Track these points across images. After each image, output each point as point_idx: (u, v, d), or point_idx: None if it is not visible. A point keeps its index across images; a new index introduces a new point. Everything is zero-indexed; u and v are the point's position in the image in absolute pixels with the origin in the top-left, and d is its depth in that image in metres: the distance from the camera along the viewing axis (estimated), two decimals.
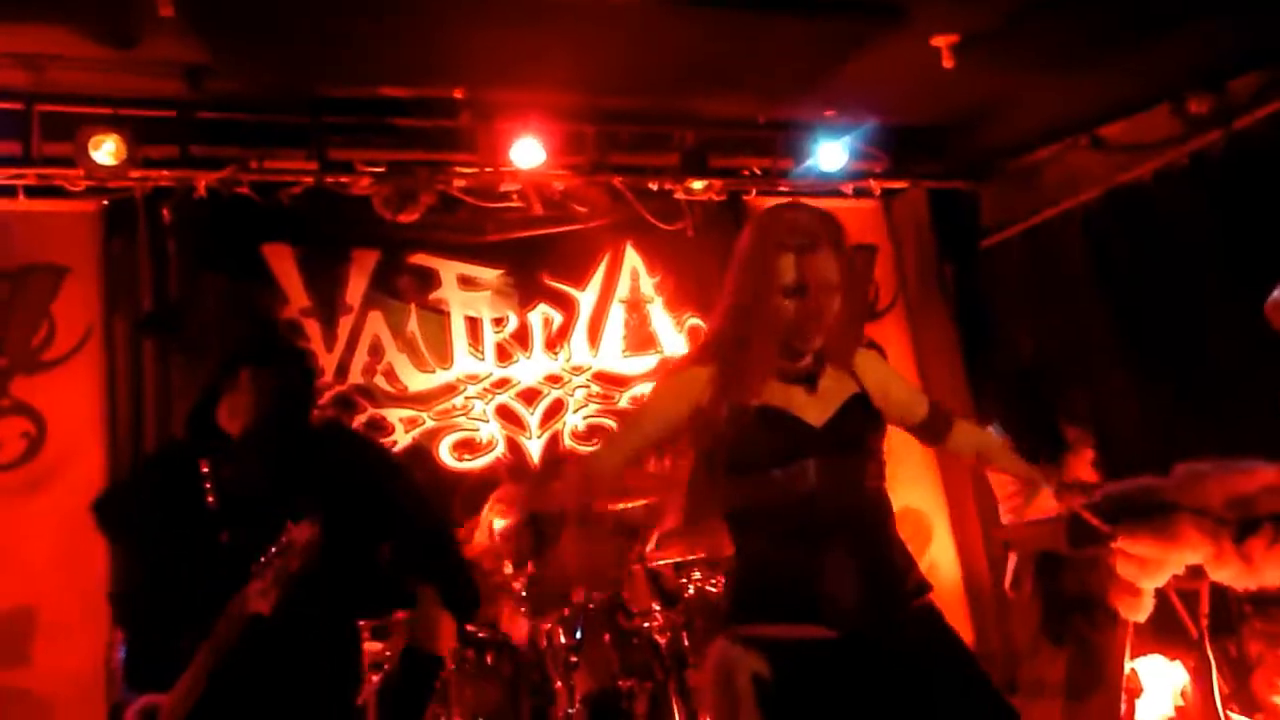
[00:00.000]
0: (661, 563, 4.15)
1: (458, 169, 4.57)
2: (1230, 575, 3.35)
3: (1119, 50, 4.21)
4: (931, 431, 2.22)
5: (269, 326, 2.51)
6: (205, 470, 2.26)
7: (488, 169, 4.55)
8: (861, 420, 2.04)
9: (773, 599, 1.94)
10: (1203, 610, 3.52)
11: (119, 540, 2.56)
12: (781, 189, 5.09)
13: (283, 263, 4.43)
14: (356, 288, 4.54)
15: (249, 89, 4.06)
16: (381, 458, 2.83)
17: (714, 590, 3.58)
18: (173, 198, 4.16)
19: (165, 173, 4.15)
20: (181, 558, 2.22)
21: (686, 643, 3.49)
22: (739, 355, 1.99)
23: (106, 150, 3.87)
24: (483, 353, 4.73)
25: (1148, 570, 3.25)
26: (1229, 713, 3.50)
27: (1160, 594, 3.38)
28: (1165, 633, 3.64)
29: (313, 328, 4.44)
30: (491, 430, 4.68)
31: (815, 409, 2.00)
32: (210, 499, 2.25)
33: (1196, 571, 3.36)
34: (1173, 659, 3.74)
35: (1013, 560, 3.85)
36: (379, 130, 4.39)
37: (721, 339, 2.05)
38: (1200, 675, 3.61)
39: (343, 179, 4.42)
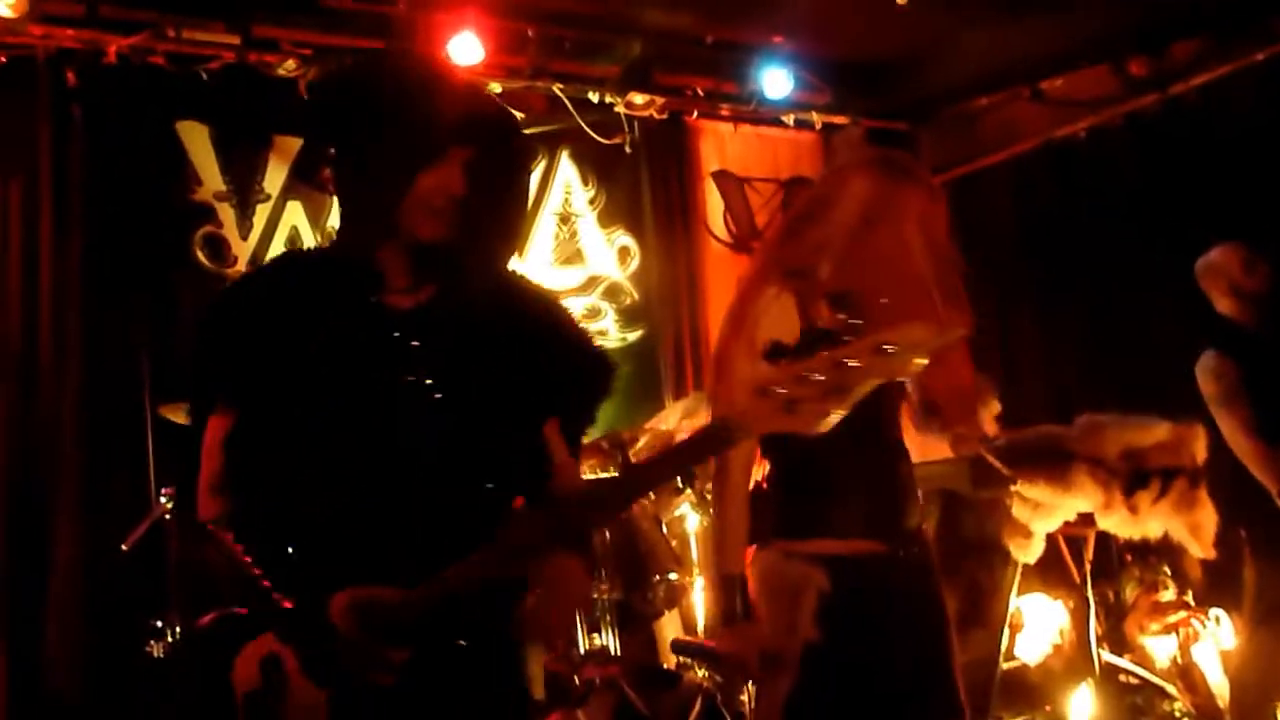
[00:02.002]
0: None
1: None
2: (1116, 524, 3.50)
3: (1064, 5, 4.21)
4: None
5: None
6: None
7: None
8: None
9: (813, 513, 2.03)
10: (1087, 555, 3.67)
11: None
12: (723, 113, 5.02)
13: (197, 142, 4.20)
14: (276, 175, 4.35)
15: None
16: None
17: None
18: (78, 60, 3.90)
19: (71, 32, 3.87)
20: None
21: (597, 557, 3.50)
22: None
23: (4, 1, 3.59)
24: None
25: (1041, 514, 3.37)
26: (1101, 652, 3.69)
27: (1049, 537, 3.52)
28: (1050, 574, 3.80)
29: (226, 213, 4.25)
30: None
31: None
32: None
33: (1086, 518, 3.49)
34: (1055, 599, 3.91)
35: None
36: (308, 9, 4.16)
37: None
38: (1078, 616, 3.79)
39: (267, 58, 4.18)
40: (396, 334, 1.53)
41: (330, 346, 1.51)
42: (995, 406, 3.93)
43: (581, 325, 1.70)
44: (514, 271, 1.67)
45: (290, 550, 1.48)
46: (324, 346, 1.51)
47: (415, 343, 1.53)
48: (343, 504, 1.48)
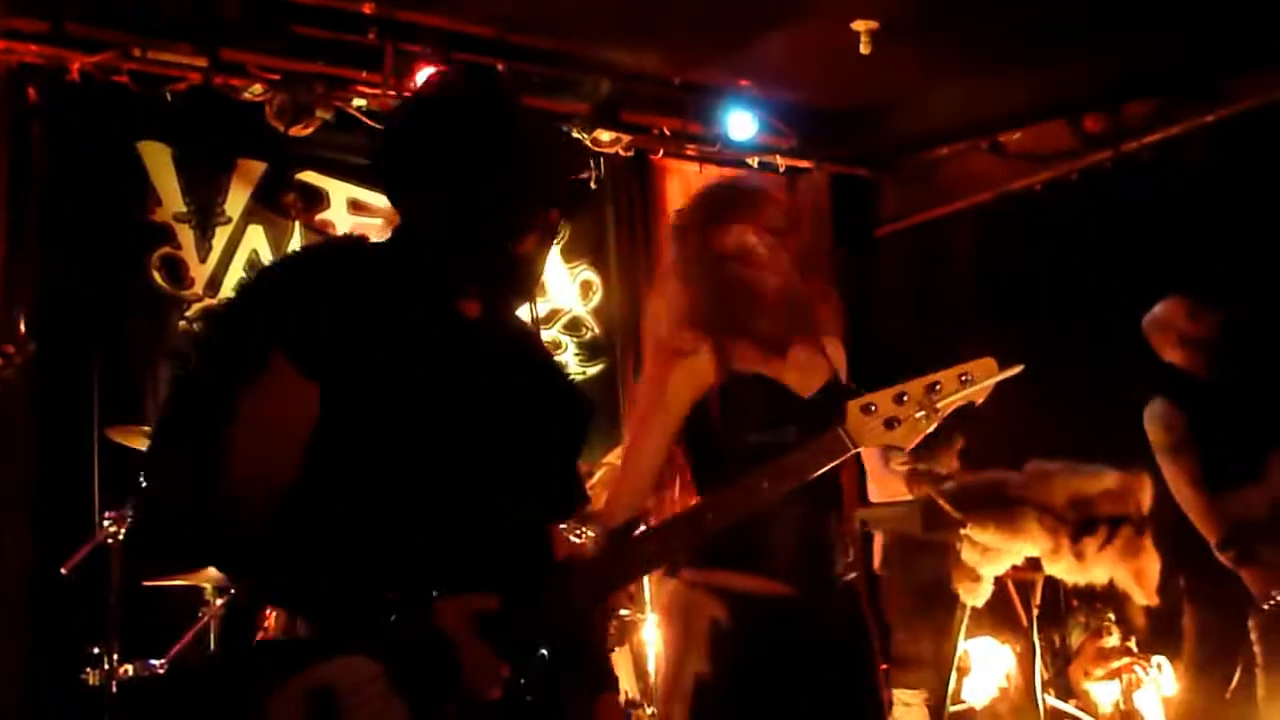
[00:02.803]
0: None
1: (359, 87, 4.38)
2: (1063, 569, 3.53)
3: (1024, 62, 4.33)
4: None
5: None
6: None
7: (390, 92, 4.38)
8: (842, 399, 2.11)
9: (728, 548, 2.00)
10: (1035, 600, 3.71)
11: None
12: (689, 152, 5.07)
13: (159, 163, 4.19)
14: (238, 198, 4.33)
15: None
16: None
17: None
18: (41, 76, 3.87)
19: (34, 48, 3.85)
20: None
21: None
22: (729, 325, 2.09)
23: None
24: None
25: (990, 558, 3.41)
26: (1046, 696, 3.72)
27: (998, 582, 3.55)
28: (998, 617, 3.83)
29: (185, 235, 4.22)
30: None
31: (796, 378, 2.11)
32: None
33: (1033, 563, 3.53)
34: (1003, 643, 3.94)
35: (879, 540, 3.98)
36: (277, 34, 4.16)
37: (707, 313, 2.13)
38: (1025, 660, 3.82)
39: (233, 81, 4.18)
40: (467, 341, 1.49)
41: (414, 342, 1.41)
42: (959, 441, 3.99)
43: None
44: None
45: (377, 556, 1.32)
46: (408, 341, 1.40)
47: (481, 351, 1.50)
48: (426, 506, 1.37)
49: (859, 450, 1.56)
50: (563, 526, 1.65)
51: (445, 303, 1.48)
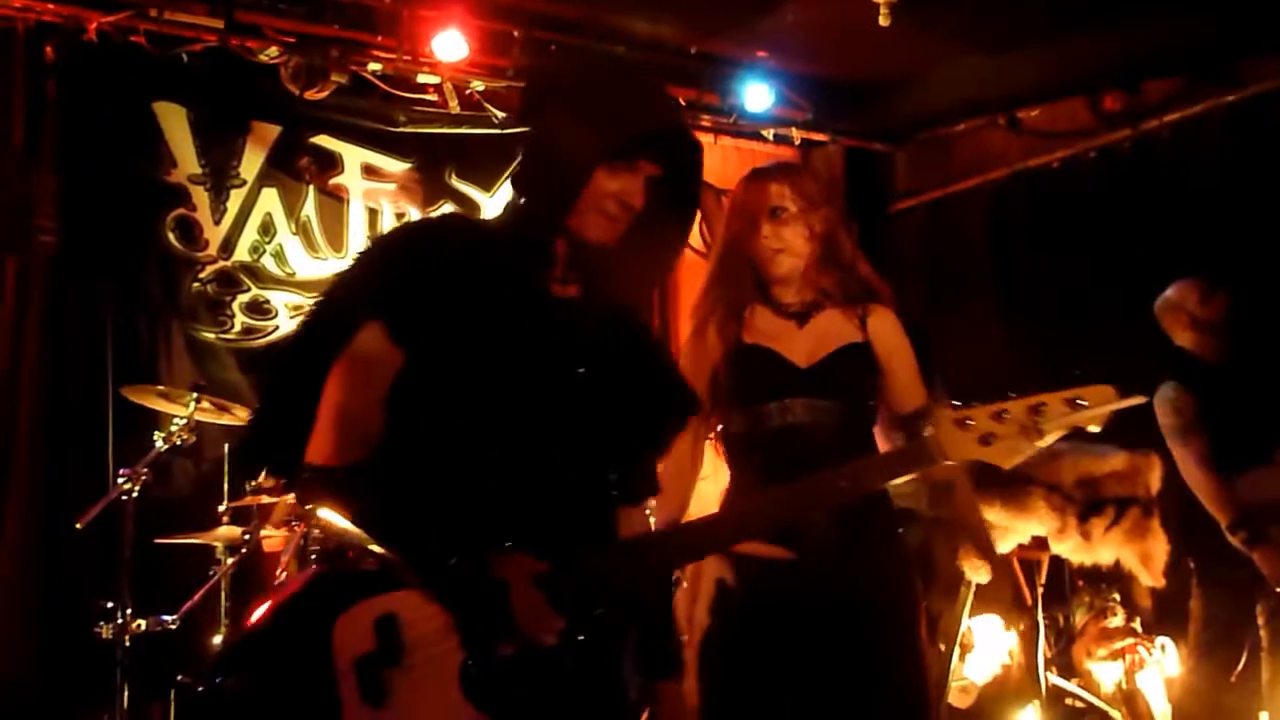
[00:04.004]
0: None
1: (374, 51, 4.36)
2: (1069, 549, 3.55)
3: (1043, 38, 4.29)
4: (905, 431, 2.16)
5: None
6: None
7: (406, 57, 4.35)
8: (852, 368, 2.11)
9: None
10: (1040, 579, 3.72)
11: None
12: (704, 123, 5.04)
13: (174, 124, 4.17)
14: (252, 161, 4.32)
15: None
16: None
17: None
18: (58, 35, 3.85)
19: (52, 6, 3.83)
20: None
21: None
22: (744, 290, 2.13)
23: None
24: None
25: (996, 536, 3.42)
26: (1048, 675, 3.74)
27: (1004, 559, 3.56)
28: (1003, 595, 3.85)
29: (200, 197, 4.22)
30: None
31: (807, 347, 2.10)
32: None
33: (1040, 542, 3.54)
34: (1006, 621, 3.96)
35: None
36: None
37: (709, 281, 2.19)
38: (1028, 638, 3.84)
39: (249, 43, 4.17)
40: (558, 320, 1.54)
41: (503, 317, 1.49)
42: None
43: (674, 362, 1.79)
44: None
45: (448, 509, 1.42)
46: (498, 315, 1.49)
47: (573, 332, 1.54)
48: (498, 470, 1.45)
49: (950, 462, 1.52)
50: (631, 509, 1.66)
51: (540, 281, 1.54)
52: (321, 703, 1.33)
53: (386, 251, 1.55)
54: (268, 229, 4.36)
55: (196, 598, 3.39)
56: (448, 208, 4.70)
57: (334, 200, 4.49)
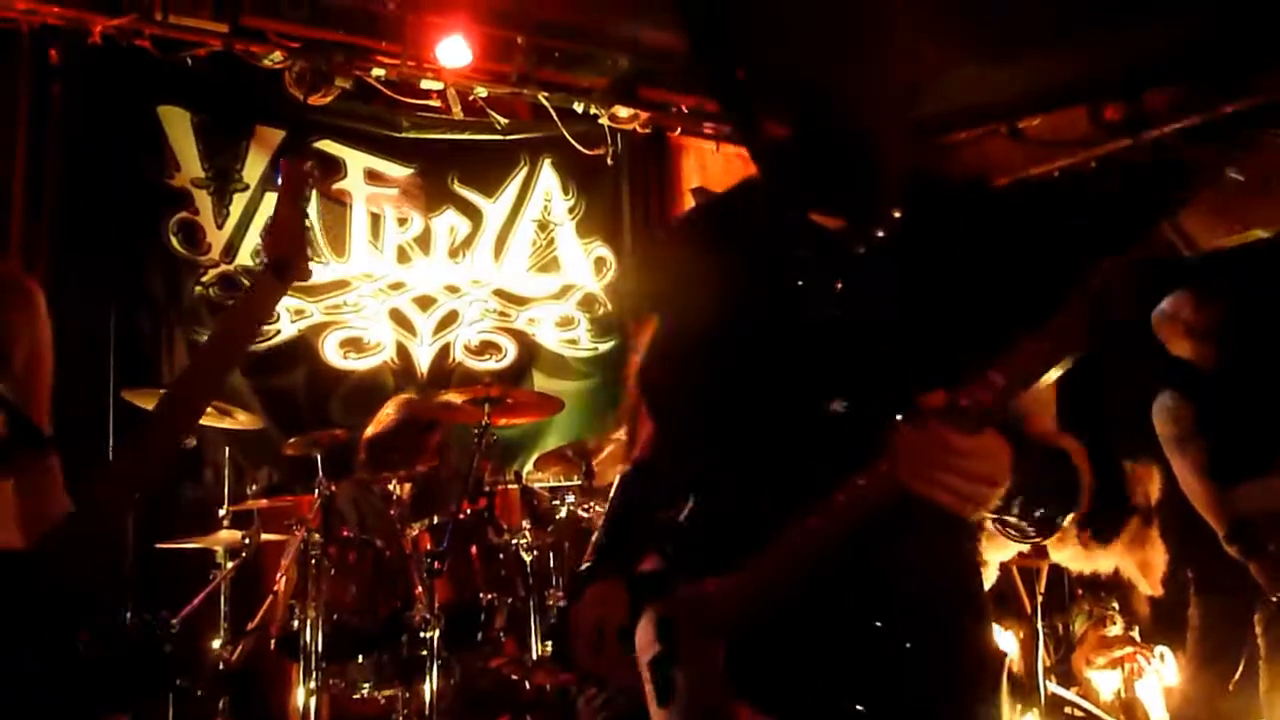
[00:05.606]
0: (538, 485, 4.16)
1: (378, 57, 4.38)
2: (1069, 558, 3.55)
3: (1045, 48, 4.31)
4: None
5: None
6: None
7: (410, 62, 4.38)
8: None
9: None
10: (1039, 587, 3.73)
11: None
12: (706, 130, 5.06)
13: (178, 128, 4.19)
14: (256, 165, 4.34)
15: None
16: None
17: (586, 515, 3.61)
18: (63, 39, 3.87)
19: (56, 9, 3.85)
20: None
21: (553, 563, 3.52)
22: None
23: None
24: (382, 251, 4.60)
25: (995, 543, 3.41)
26: (1048, 683, 3.74)
27: (1004, 567, 3.57)
28: (1001, 603, 3.86)
29: (203, 200, 4.23)
30: (381, 332, 4.57)
31: None
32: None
33: (1039, 551, 3.55)
34: (1005, 629, 3.96)
35: None
36: (298, 2, 4.16)
37: None
38: (1028, 646, 3.84)
39: (254, 48, 4.19)
40: (820, 254, 1.39)
41: (758, 268, 1.41)
42: None
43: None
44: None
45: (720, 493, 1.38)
46: (749, 270, 1.41)
47: (837, 265, 1.37)
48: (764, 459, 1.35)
49: None
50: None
51: (797, 217, 1.40)
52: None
53: (650, 249, 1.67)
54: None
55: (196, 601, 3.40)
56: (451, 214, 4.72)
57: (337, 205, 4.51)
